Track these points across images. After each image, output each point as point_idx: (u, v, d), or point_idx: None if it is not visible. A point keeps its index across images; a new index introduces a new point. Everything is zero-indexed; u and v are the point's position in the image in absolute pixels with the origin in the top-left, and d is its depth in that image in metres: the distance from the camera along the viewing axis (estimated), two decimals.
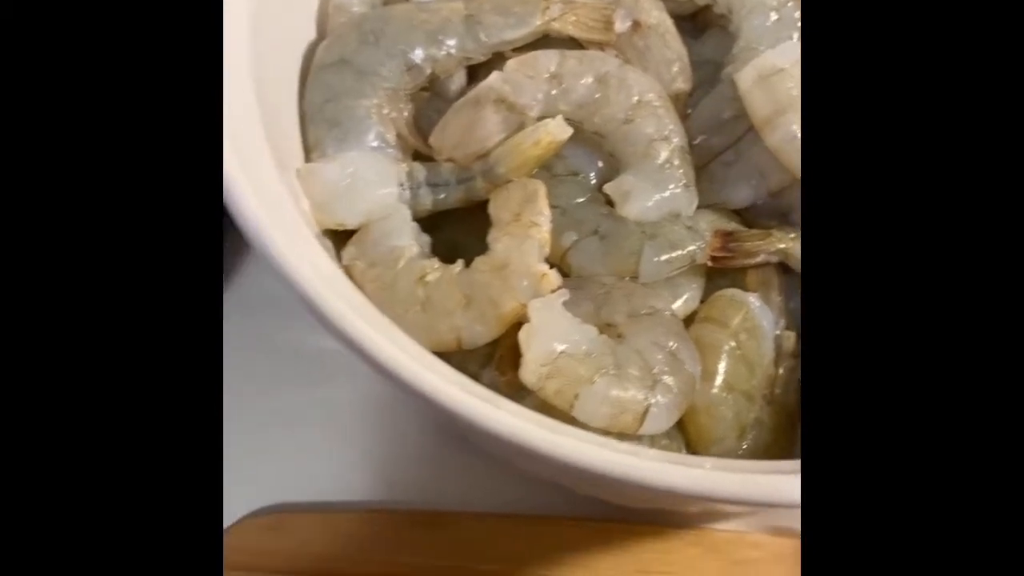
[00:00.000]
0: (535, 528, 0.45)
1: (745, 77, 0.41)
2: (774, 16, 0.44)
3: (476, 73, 0.46)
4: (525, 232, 0.40)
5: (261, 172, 0.38)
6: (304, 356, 0.49)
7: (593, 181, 0.44)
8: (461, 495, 0.47)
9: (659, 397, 0.37)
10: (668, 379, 0.38)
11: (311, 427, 0.48)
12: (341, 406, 0.49)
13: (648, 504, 0.45)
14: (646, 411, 0.37)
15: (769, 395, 0.43)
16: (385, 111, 0.43)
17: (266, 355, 0.49)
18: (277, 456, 0.48)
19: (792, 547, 0.45)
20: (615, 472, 0.32)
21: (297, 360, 0.49)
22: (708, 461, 0.39)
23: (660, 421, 0.37)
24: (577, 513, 0.46)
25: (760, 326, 0.42)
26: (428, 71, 0.43)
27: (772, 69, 0.40)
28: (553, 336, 0.37)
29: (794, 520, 0.47)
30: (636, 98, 0.42)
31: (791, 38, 0.43)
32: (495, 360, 0.39)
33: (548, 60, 0.42)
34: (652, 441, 0.39)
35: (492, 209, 0.41)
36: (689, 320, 0.43)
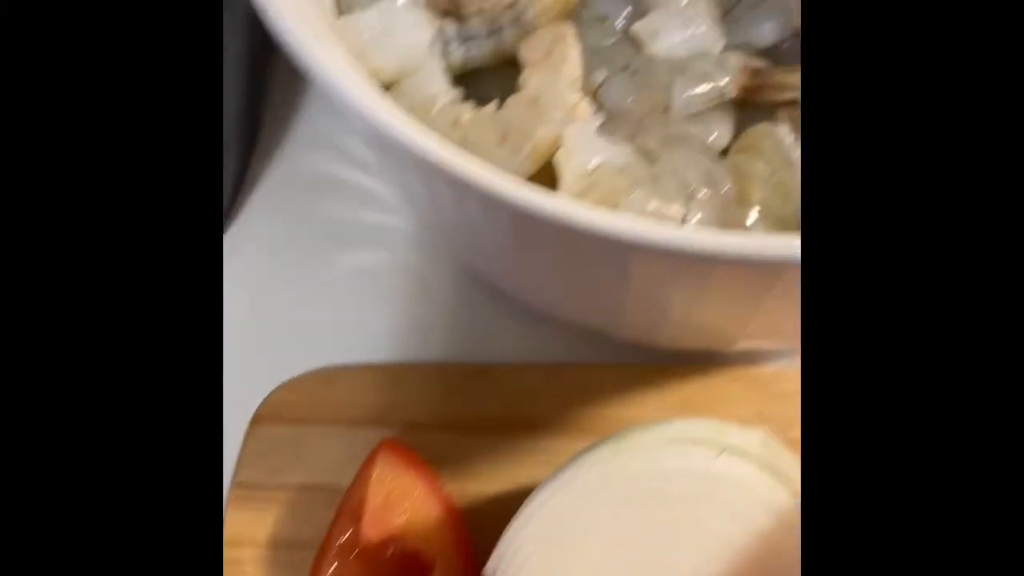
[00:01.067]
0: (581, 374, 0.46)
1: None
2: None
3: None
4: (556, 66, 0.41)
5: (310, 18, 0.38)
6: (347, 227, 0.51)
7: (621, 24, 0.44)
8: (502, 351, 0.48)
9: (696, 211, 0.38)
10: (703, 194, 0.39)
11: (355, 294, 0.50)
12: (382, 273, 0.50)
13: (693, 333, 0.45)
14: (683, 222, 0.38)
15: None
16: None
17: (311, 228, 0.51)
18: (325, 321, 0.49)
19: None
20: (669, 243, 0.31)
21: (341, 231, 0.51)
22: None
23: None
24: (619, 360, 0.47)
25: (792, 158, 0.43)
26: None
27: None
28: (590, 152, 0.38)
29: None
30: None
31: None
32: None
33: None
34: None
35: (523, 54, 0.42)
36: (721, 157, 0.43)
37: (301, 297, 0.49)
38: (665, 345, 0.46)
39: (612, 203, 0.37)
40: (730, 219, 0.40)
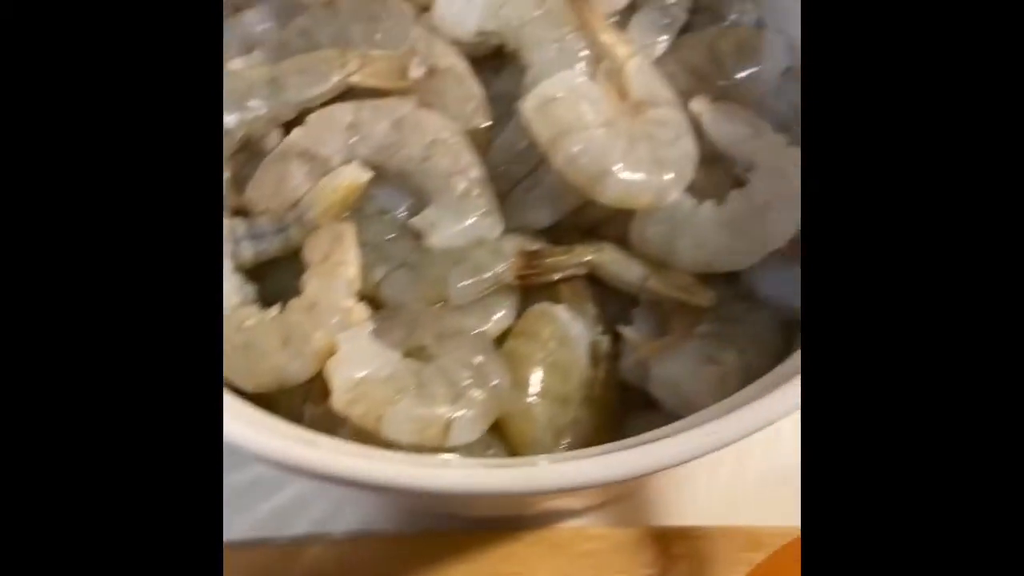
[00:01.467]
0: (386, 547, 0.48)
1: (526, 107, 0.44)
2: (556, 48, 0.47)
3: (291, 129, 0.49)
4: (333, 271, 0.43)
5: None
6: None
7: (402, 217, 0.47)
8: (314, 523, 0.49)
9: (462, 410, 0.40)
10: (473, 392, 0.41)
11: None
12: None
13: (484, 511, 0.48)
14: (449, 424, 0.40)
15: (587, 396, 0.46)
16: None
17: None
18: None
19: (628, 536, 0.48)
20: (423, 484, 0.35)
21: None
22: (526, 461, 0.42)
23: (465, 432, 0.40)
24: (423, 528, 0.48)
25: (571, 335, 0.46)
26: (240, 134, 0.47)
27: (548, 98, 0.44)
28: (356, 364, 0.40)
29: (632, 512, 0.50)
30: (431, 137, 0.45)
31: (572, 67, 0.47)
32: (311, 393, 0.42)
33: (344, 112, 0.45)
34: (470, 450, 0.42)
35: (305, 253, 0.44)
36: (505, 337, 0.46)
37: None
38: (467, 515, 0.48)
39: (377, 414, 0.39)
40: (508, 407, 0.43)
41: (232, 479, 0.50)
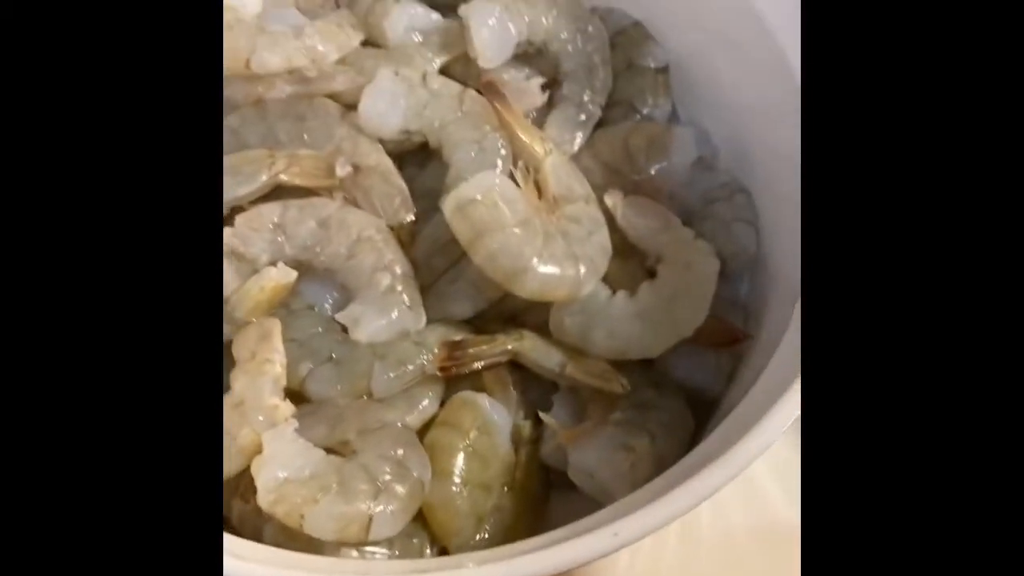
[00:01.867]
0: None
1: (447, 206, 0.46)
2: (477, 148, 0.50)
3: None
4: (259, 369, 0.44)
5: None
6: None
7: (329, 312, 0.48)
8: None
9: (383, 505, 0.42)
10: (394, 486, 0.42)
11: None
12: None
13: None
14: (370, 520, 0.41)
15: (511, 481, 0.47)
16: None
17: None
18: None
19: None
20: None
21: None
22: (437, 562, 0.43)
23: (387, 527, 0.42)
24: None
25: (492, 422, 0.47)
26: None
27: (467, 199, 0.46)
28: (278, 464, 0.41)
29: None
30: (356, 235, 0.47)
31: (495, 165, 0.50)
32: (240, 490, 0.43)
33: (271, 212, 0.47)
34: (391, 543, 0.43)
35: (233, 350, 0.46)
36: (429, 425, 0.47)
37: None
38: None
39: (299, 513, 0.40)
40: (430, 498, 0.44)
41: None
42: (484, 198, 0.46)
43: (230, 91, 0.52)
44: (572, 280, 0.47)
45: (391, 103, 0.50)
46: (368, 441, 0.44)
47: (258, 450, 0.43)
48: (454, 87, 0.51)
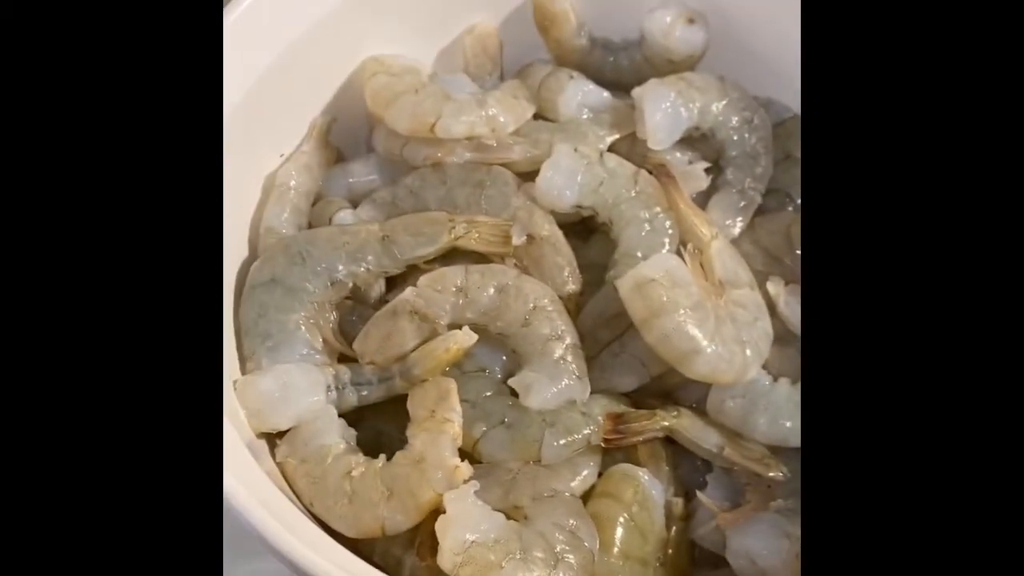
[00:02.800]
0: None
1: (624, 285, 0.48)
2: (648, 227, 0.51)
3: (394, 279, 0.52)
4: (439, 427, 0.45)
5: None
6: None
7: (499, 375, 0.50)
8: None
9: (561, 574, 0.43)
10: (569, 557, 0.43)
11: None
12: None
13: None
14: None
15: (662, 557, 0.48)
16: (312, 321, 0.49)
17: None
18: None
19: None
20: None
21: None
22: None
23: None
24: None
25: (650, 497, 0.48)
26: (350, 284, 0.50)
27: (645, 279, 0.47)
28: (466, 527, 0.42)
29: None
30: (532, 304, 0.49)
31: (663, 245, 0.51)
32: (416, 546, 0.44)
33: (455, 275, 0.49)
34: None
35: (410, 406, 0.47)
36: (588, 494, 0.48)
37: None
38: None
39: None
40: (596, 569, 0.45)
41: None
42: (662, 279, 0.48)
43: (409, 151, 0.54)
44: (740, 365, 0.48)
45: (569, 178, 0.52)
46: (542, 509, 0.45)
47: (436, 507, 0.44)
48: (629, 167, 0.53)
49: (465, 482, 0.44)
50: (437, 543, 0.43)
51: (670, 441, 0.51)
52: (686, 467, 0.51)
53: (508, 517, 0.45)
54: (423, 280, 0.49)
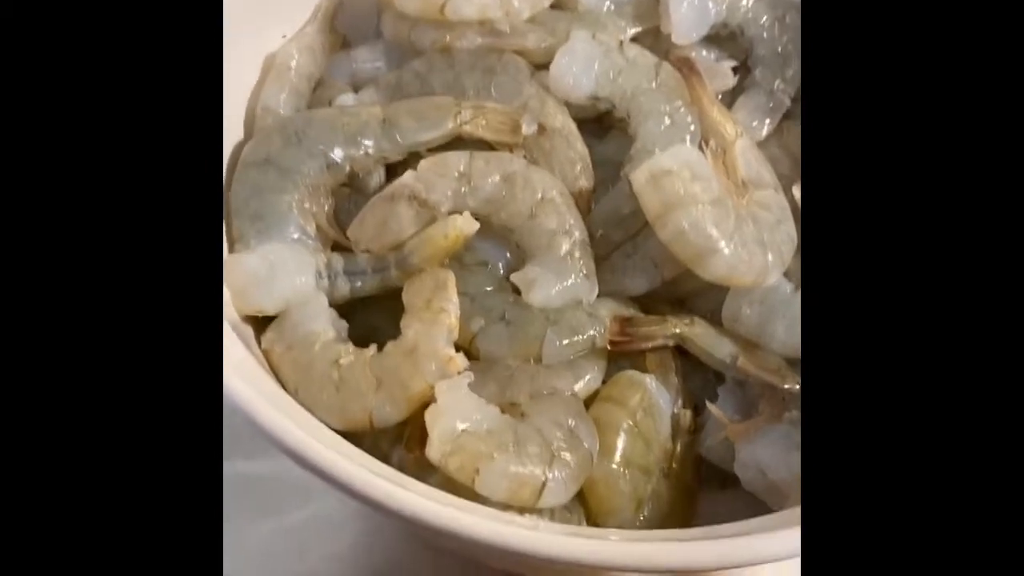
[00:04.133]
0: None
1: (638, 177, 0.45)
2: (668, 121, 0.48)
3: (394, 170, 0.49)
4: (434, 317, 0.43)
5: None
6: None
7: (501, 271, 0.47)
8: None
9: (556, 472, 0.40)
10: (566, 455, 0.41)
11: (237, 503, 0.50)
12: (265, 481, 0.50)
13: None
14: (543, 485, 0.39)
15: (667, 469, 0.46)
16: (306, 205, 0.46)
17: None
18: None
19: None
20: (512, 545, 0.35)
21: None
22: (609, 533, 0.41)
23: (557, 495, 0.40)
24: None
25: (657, 405, 0.46)
26: (347, 169, 0.47)
27: (662, 170, 0.44)
28: (456, 415, 0.40)
29: None
30: (540, 195, 0.46)
31: (684, 141, 0.48)
32: (405, 438, 0.42)
33: (458, 160, 0.46)
34: (552, 513, 0.41)
35: (405, 296, 0.44)
36: (591, 400, 0.46)
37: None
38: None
39: (474, 467, 0.39)
40: (594, 473, 0.42)
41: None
42: (680, 171, 0.44)
43: (418, 35, 0.51)
44: (760, 267, 0.45)
45: (585, 66, 0.48)
46: (540, 406, 0.42)
47: (426, 400, 0.41)
48: (650, 57, 0.49)
49: (459, 374, 0.41)
50: (426, 435, 0.40)
51: (681, 352, 0.48)
52: (697, 380, 0.48)
53: (503, 413, 0.42)
54: (424, 164, 0.46)
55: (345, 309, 0.46)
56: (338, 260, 0.45)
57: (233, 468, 0.51)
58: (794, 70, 0.52)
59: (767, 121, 0.51)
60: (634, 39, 0.52)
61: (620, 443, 0.44)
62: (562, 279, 0.45)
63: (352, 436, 0.42)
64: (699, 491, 0.47)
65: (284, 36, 0.52)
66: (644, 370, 0.47)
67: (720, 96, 0.52)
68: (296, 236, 0.45)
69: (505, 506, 0.40)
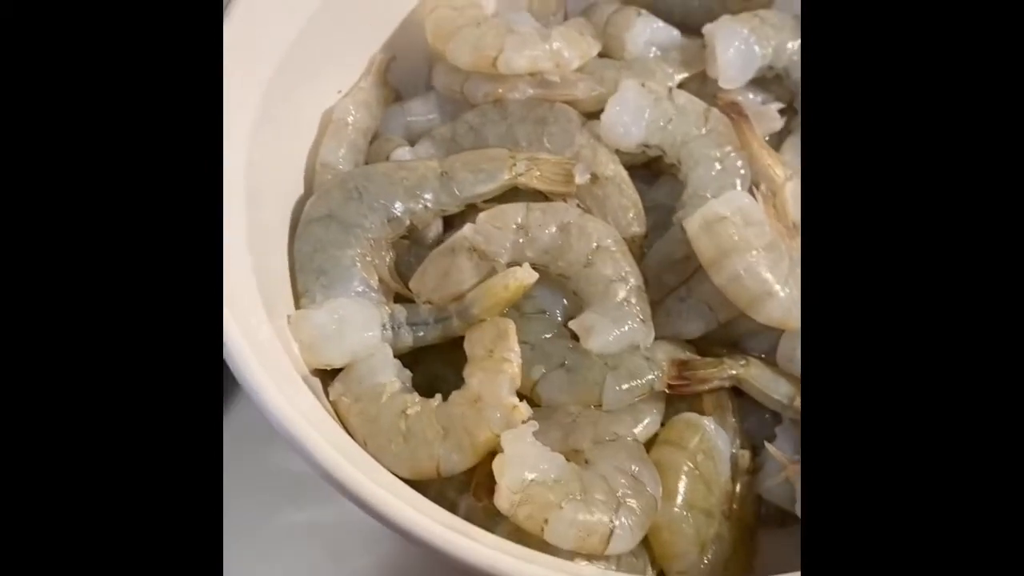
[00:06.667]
0: None
1: (693, 223, 0.46)
2: (718, 166, 0.49)
3: (452, 221, 0.50)
4: (497, 367, 0.44)
5: (251, 319, 0.42)
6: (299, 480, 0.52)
7: (559, 318, 0.48)
8: None
9: (623, 519, 0.41)
10: (631, 501, 0.41)
11: (306, 550, 0.51)
12: (331, 528, 0.52)
13: None
14: (611, 533, 0.40)
15: (728, 510, 0.46)
16: (368, 259, 0.47)
17: (263, 480, 0.52)
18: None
19: None
20: None
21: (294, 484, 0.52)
22: None
23: (625, 542, 0.41)
24: None
25: (716, 447, 0.46)
26: (407, 222, 0.48)
27: (716, 216, 0.45)
28: (524, 465, 0.41)
29: None
30: (595, 244, 0.47)
31: (735, 185, 0.49)
32: (472, 487, 0.43)
33: (515, 212, 0.47)
34: (619, 560, 0.42)
35: (467, 346, 0.45)
36: (650, 443, 0.46)
37: (247, 554, 0.50)
38: None
39: (543, 517, 0.40)
40: (657, 518, 0.43)
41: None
42: (733, 217, 0.45)
43: (470, 87, 0.52)
44: None
45: (635, 114, 0.49)
46: (604, 452, 0.43)
47: (492, 448, 0.42)
48: (699, 104, 0.50)
49: (524, 422, 0.42)
50: (494, 483, 0.41)
51: (738, 393, 0.48)
52: (754, 420, 0.49)
53: (568, 461, 0.43)
54: (482, 216, 0.47)
55: (408, 358, 0.47)
56: (401, 312, 0.47)
57: (301, 514, 0.52)
58: None
59: None
60: (681, 85, 0.53)
61: (682, 486, 0.44)
62: (619, 325, 0.46)
63: (418, 485, 0.44)
64: (759, 530, 0.48)
65: (340, 91, 0.54)
66: (702, 412, 0.47)
67: (768, 138, 0.52)
68: (360, 289, 0.47)
69: (573, 554, 0.40)
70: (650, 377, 0.46)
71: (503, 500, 0.40)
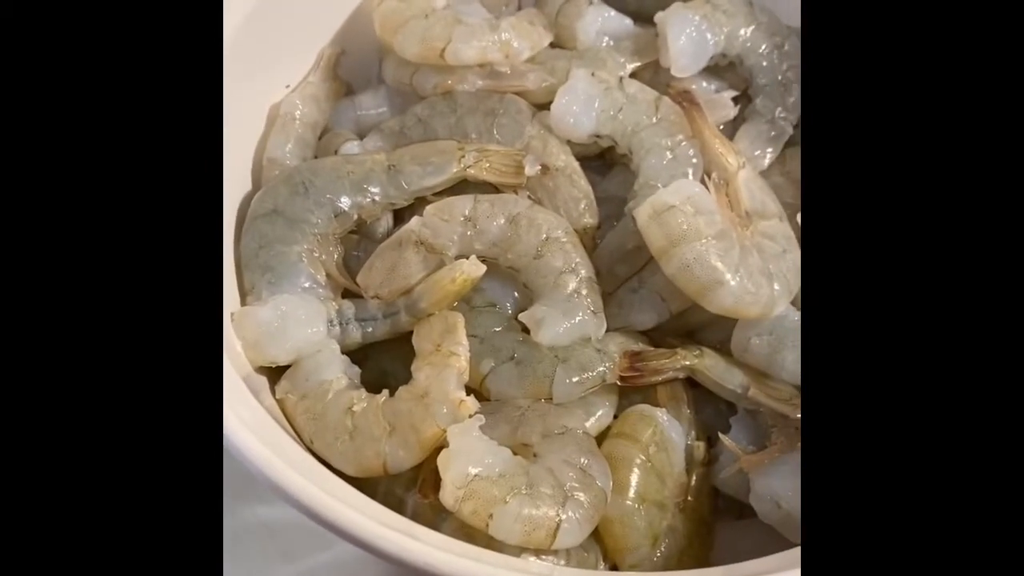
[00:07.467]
0: None
1: (642, 213, 0.45)
2: (669, 155, 0.48)
3: (402, 214, 0.50)
4: (444, 361, 0.43)
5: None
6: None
7: (510, 311, 0.47)
8: None
9: (570, 513, 0.40)
10: (579, 495, 0.41)
11: (259, 549, 0.50)
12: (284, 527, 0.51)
13: None
14: (557, 527, 0.40)
15: (682, 502, 0.46)
16: (315, 254, 0.47)
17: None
18: None
19: None
20: None
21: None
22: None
23: (572, 536, 0.40)
24: None
25: (670, 439, 0.46)
26: (355, 216, 0.48)
27: (665, 206, 0.45)
28: (469, 460, 0.40)
29: None
30: (545, 235, 0.46)
31: (686, 175, 0.48)
32: (418, 483, 0.42)
33: (463, 204, 0.46)
34: (568, 554, 0.42)
35: (415, 340, 0.45)
36: (603, 436, 0.46)
37: None
38: None
39: (488, 512, 0.39)
40: (609, 511, 0.42)
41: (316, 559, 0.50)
42: (682, 206, 0.45)
43: (419, 79, 0.51)
44: (767, 298, 0.45)
45: (585, 104, 0.49)
46: (552, 446, 0.42)
47: (440, 444, 0.42)
48: (650, 93, 0.50)
49: (470, 417, 0.42)
50: (439, 480, 0.40)
51: (692, 384, 0.48)
52: (709, 411, 0.49)
53: (515, 454, 0.42)
54: (429, 209, 0.46)
55: (357, 354, 0.47)
56: (349, 307, 0.46)
57: (254, 514, 0.52)
58: (795, 97, 0.52)
59: (769, 150, 0.52)
60: (634, 74, 0.53)
61: (634, 479, 0.44)
62: (570, 317, 0.45)
63: (367, 482, 0.43)
64: (715, 522, 0.47)
65: (288, 86, 0.53)
66: (655, 404, 0.47)
67: (722, 127, 0.52)
68: (307, 285, 0.46)
69: (520, 549, 0.40)
70: (601, 369, 0.45)
71: (448, 496, 0.40)
